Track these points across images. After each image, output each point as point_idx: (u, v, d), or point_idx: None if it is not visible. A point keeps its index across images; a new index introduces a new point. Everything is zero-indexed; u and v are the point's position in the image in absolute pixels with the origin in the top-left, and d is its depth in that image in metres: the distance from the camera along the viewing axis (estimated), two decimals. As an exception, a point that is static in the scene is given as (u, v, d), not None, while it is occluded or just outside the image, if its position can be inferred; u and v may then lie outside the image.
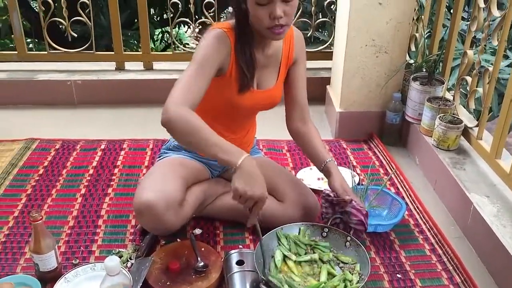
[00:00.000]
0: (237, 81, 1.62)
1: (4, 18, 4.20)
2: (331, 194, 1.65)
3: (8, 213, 1.89)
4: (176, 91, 1.46)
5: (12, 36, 4.18)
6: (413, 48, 2.51)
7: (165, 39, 5.92)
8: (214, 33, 1.56)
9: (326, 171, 1.70)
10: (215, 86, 1.59)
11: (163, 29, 5.63)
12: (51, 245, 1.53)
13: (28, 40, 4.34)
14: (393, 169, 2.23)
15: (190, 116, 1.42)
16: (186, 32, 6.21)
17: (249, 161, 1.40)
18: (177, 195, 1.62)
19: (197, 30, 2.90)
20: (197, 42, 2.91)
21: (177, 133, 1.45)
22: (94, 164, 2.23)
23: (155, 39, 5.75)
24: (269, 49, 1.67)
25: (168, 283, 1.52)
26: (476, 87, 2.06)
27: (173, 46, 2.96)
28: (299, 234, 1.59)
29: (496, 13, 1.86)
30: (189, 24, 2.90)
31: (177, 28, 3.22)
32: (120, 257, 1.66)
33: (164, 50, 5.87)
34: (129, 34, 4.77)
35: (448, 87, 2.48)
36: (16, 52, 2.86)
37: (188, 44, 5.85)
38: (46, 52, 2.87)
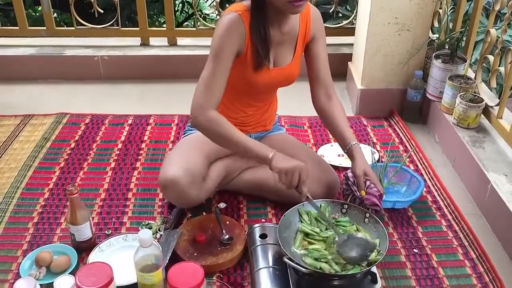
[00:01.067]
0: (252, 60, 1.67)
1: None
2: (351, 179, 1.72)
3: (44, 185, 1.99)
4: (200, 93, 1.60)
5: (36, 7, 4.29)
6: (436, 24, 2.51)
7: (186, 10, 5.94)
8: (227, 20, 1.60)
9: (350, 154, 1.75)
10: (233, 68, 1.65)
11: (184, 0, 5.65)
12: (86, 217, 1.63)
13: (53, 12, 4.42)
14: (413, 146, 2.27)
15: (217, 124, 1.59)
16: (206, 1, 6.20)
17: (277, 152, 1.57)
18: (199, 170, 1.71)
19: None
20: (217, 12, 2.96)
21: (206, 135, 1.63)
22: (122, 138, 2.32)
23: (176, 9, 5.77)
24: (285, 26, 1.69)
25: (195, 254, 1.61)
26: (499, 66, 2.07)
27: (195, 18, 2.99)
28: (320, 209, 1.66)
29: (520, -7, 1.86)
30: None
31: None
32: (150, 228, 1.76)
33: (184, 21, 5.90)
34: (150, 4, 4.79)
35: (472, 62, 2.49)
36: (44, 27, 2.93)
37: (208, 15, 5.88)
38: (73, 28, 2.94)
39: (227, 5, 3.02)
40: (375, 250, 1.51)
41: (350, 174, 1.73)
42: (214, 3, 3.05)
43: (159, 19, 5.41)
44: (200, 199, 1.75)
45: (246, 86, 1.75)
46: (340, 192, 1.83)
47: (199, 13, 3.09)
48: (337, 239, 1.53)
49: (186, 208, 1.84)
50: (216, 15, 3.02)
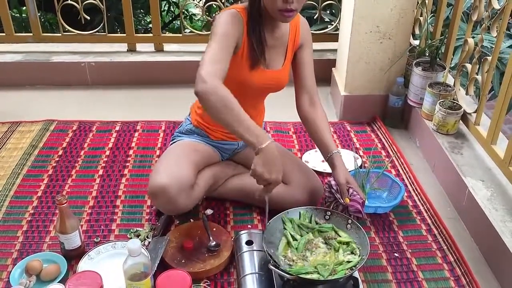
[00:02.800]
0: (248, 59, 1.73)
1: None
2: (334, 187, 1.78)
3: (32, 193, 2.02)
4: (206, 62, 1.54)
5: (21, 8, 4.28)
6: (417, 31, 2.58)
7: (172, 10, 5.95)
8: (229, 12, 1.66)
9: (331, 163, 1.80)
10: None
11: (170, 0, 5.66)
12: (75, 225, 1.66)
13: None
14: (395, 152, 2.34)
15: (224, 91, 1.50)
16: (193, 0, 6.23)
17: (272, 147, 1.50)
18: (189, 179, 1.74)
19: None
20: (208, 19, 3.00)
21: (210, 105, 1.50)
22: (110, 145, 2.35)
23: (162, 9, 5.78)
24: (277, 31, 1.77)
25: (183, 261, 1.65)
26: (477, 73, 2.14)
27: (181, 22, 3.03)
28: (299, 218, 1.71)
29: (496, 5, 1.92)
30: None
31: None
32: (138, 235, 1.80)
33: (171, 22, 5.91)
34: (138, 6, 4.81)
35: (452, 66, 2.56)
36: (31, 34, 2.95)
37: (195, 14, 5.89)
38: (60, 34, 2.96)
39: (213, 5, 3.05)
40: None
41: (333, 182, 1.79)
42: (200, 3, 3.08)
43: (145, 18, 5.42)
44: (189, 206, 1.79)
45: (240, 86, 1.76)
46: (323, 198, 1.88)
47: (185, 12, 3.11)
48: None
49: (173, 215, 1.88)
50: (202, 15, 3.05)
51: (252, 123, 1.51)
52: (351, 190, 1.73)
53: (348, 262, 1.55)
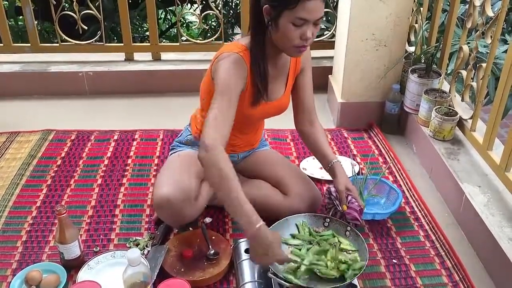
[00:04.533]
0: (251, 95, 1.72)
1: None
2: (334, 194, 1.79)
3: (31, 203, 2.02)
4: (210, 124, 1.52)
5: (18, 18, 4.30)
6: (413, 38, 2.60)
7: (169, 17, 5.97)
8: (232, 60, 1.62)
9: (331, 172, 1.81)
10: None
11: (166, 8, 5.68)
12: (74, 235, 1.67)
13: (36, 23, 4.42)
14: (392, 158, 2.35)
15: (224, 164, 1.46)
16: (189, 9, 6.28)
17: (264, 232, 1.44)
18: (193, 190, 1.75)
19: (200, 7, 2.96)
20: (205, 27, 3.00)
21: (210, 175, 1.49)
22: (109, 154, 2.36)
23: (159, 17, 5.80)
24: (279, 61, 1.76)
25: (182, 270, 1.66)
26: (472, 79, 2.16)
27: (178, 30, 3.05)
28: (298, 230, 1.72)
29: (490, 13, 1.94)
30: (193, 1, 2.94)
31: (180, 7, 3.31)
32: (137, 245, 1.80)
33: (168, 30, 5.93)
34: (135, 14, 4.83)
35: (447, 72, 2.58)
36: (29, 44, 2.96)
37: (192, 22, 5.91)
38: (57, 44, 2.97)
39: (210, 14, 3.07)
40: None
41: (333, 189, 1.80)
42: (197, 11, 3.10)
43: (142, 26, 5.44)
44: (192, 218, 1.79)
45: (242, 118, 1.77)
46: (323, 204, 1.89)
47: (182, 20, 3.12)
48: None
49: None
50: (199, 22, 3.06)
51: (246, 203, 1.44)
52: (349, 197, 1.74)
53: (345, 262, 1.56)
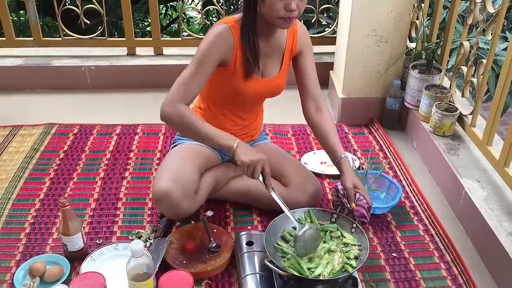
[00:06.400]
0: (242, 69, 1.75)
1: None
2: (341, 192, 1.80)
3: (34, 196, 2.04)
4: (174, 90, 1.68)
5: (20, 12, 4.31)
6: (414, 34, 2.61)
7: (170, 13, 5.98)
8: (216, 30, 1.69)
9: (339, 167, 1.82)
10: (221, 77, 1.74)
11: (167, 4, 5.69)
12: (78, 227, 1.68)
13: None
14: (392, 153, 2.37)
15: (183, 115, 1.65)
16: (191, 4, 6.29)
17: (241, 142, 1.66)
18: (192, 183, 1.77)
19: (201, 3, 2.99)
20: (206, 22, 3.01)
21: (174, 128, 1.71)
22: (111, 148, 2.38)
23: (159, 13, 5.81)
24: (273, 39, 1.79)
25: (184, 262, 1.68)
26: (472, 75, 2.17)
27: (180, 25, 3.06)
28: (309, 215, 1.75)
29: (491, 9, 1.96)
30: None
31: (181, 2, 3.34)
32: (140, 237, 1.82)
33: (169, 25, 5.94)
34: (136, 9, 4.83)
35: (448, 68, 2.59)
36: (31, 38, 2.97)
37: (192, 17, 5.92)
38: (60, 39, 2.98)
39: (211, 9, 3.09)
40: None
41: (340, 187, 1.81)
42: (199, 6, 3.12)
43: (143, 21, 5.44)
44: (192, 211, 1.81)
45: (235, 95, 1.82)
46: (330, 201, 1.90)
47: (183, 15, 3.14)
48: (297, 231, 1.61)
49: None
50: (201, 18, 3.08)
51: (215, 133, 1.67)
52: (357, 195, 1.75)
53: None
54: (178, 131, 1.72)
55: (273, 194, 1.65)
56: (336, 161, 1.83)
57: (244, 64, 1.74)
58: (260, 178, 1.64)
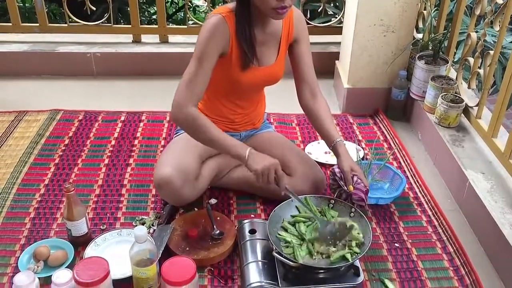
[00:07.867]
0: (239, 59, 1.74)
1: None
2: (338, 175, 1.79)
3: (39, 181, 2.05)
4: (181, 91, 1.67)
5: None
6: (421, 25, 2.59)
7: (176, 1, 5.97)
8: (211, 22, 1.68)
9: (334, 151, 1.82)
10: (219, 67, 1.73)
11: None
12: (82, 213, 1.69)
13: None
14: (396, 144, 2.36)
15: (194, 120, 1.65)
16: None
17: (252, 151, 1.65)
18: (193, 170, 1.78)
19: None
20: (212, 10, 3.00)
21: (186, 131, 1.71)
22: (115, 135, 2.38)
23: (166, 1, 5.78)
24: (268, 27, 1.78)
25: (187, 249, 1.69)
26: (479, 67, 2.16)
27: (186, 13, 3.05)
28: (298, 211, 1.75)
29: (499, 0, 1.94)
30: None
31: None
32: (143, 223, 1.83)
33: (175, 13, 5.93)
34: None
35: (454, 59, 2.58)
36: (37, 24, 2.97)
37: (198, 6, 5.91)
38: (66, 25, 2.98)
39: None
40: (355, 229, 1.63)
41: (337, 170, 1.81)
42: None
43: (149, 9, 5.43)
44: (193, 197, 1.82)
45: (233, 85, 1.82)
46: (327, 185, 1.90)
47: (189, 4, 3.13)
48: (319, 225, 1.63)
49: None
50: (207, 6, 3.07)
51: (230, 139, 1.67)
52: (355, 178, 1.75)
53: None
54: (188, 134, 1.70)
55: (289, 194, 1.67)
56: (332, 145, 1.82)
57: (241, 54, 1.73)
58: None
